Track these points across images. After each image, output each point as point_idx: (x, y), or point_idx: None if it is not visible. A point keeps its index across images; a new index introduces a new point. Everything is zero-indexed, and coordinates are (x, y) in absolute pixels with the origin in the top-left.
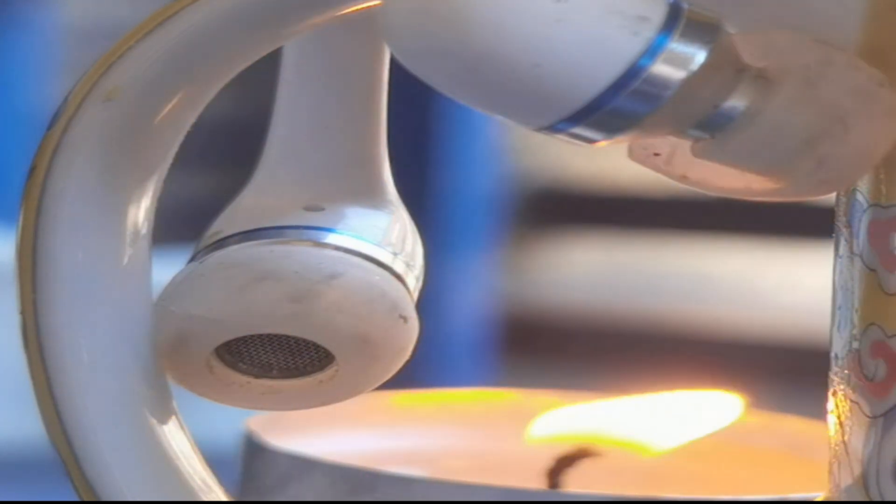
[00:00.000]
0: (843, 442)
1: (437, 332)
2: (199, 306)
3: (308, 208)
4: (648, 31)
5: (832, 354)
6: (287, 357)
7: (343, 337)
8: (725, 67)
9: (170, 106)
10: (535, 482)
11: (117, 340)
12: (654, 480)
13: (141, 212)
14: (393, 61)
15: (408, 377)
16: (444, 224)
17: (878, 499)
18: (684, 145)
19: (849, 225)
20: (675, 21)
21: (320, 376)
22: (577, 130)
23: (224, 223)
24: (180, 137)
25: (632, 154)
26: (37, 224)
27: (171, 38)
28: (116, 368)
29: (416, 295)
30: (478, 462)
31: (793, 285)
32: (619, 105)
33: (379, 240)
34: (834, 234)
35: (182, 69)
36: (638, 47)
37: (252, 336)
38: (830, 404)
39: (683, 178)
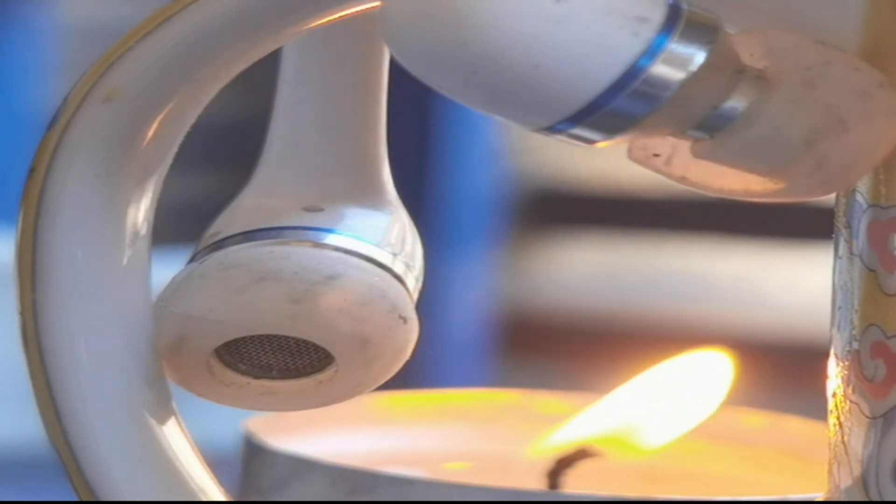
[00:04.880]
0: (843, 442)
1: (437, 332)
2: (198, 307)
3: (307, 209)
4: (648, 32)
5: (832, 355)
6: (286, 358)
7: (342, 338)
8: (725, 68)
9: (170, 106)
10: (535, 482)
11: (117, 341)
12: (654, 480)
13: (141, 212)
14: (393, 61)
15: (408, 377)
16: (444, 224)
17: (877, 499)
18: (684, 146)
19: (848, 225)
20: (674, 22)
21: (320, 377)
22: (577, 131)
23: (223, 224)
24: (180, 137)
25: (631, 154)
26: (37, 224)
27: (171, 38)
28: (116, 369)
29: (415, 295)
30: (477, 463)
31: (792, 286)
32: (618, 106)
33: (378, 240)
34: (833, 235)
35: (182, 69)
36: (637, 48)
37: (251, 337)
38: (830, 405)
39: (683, 179)
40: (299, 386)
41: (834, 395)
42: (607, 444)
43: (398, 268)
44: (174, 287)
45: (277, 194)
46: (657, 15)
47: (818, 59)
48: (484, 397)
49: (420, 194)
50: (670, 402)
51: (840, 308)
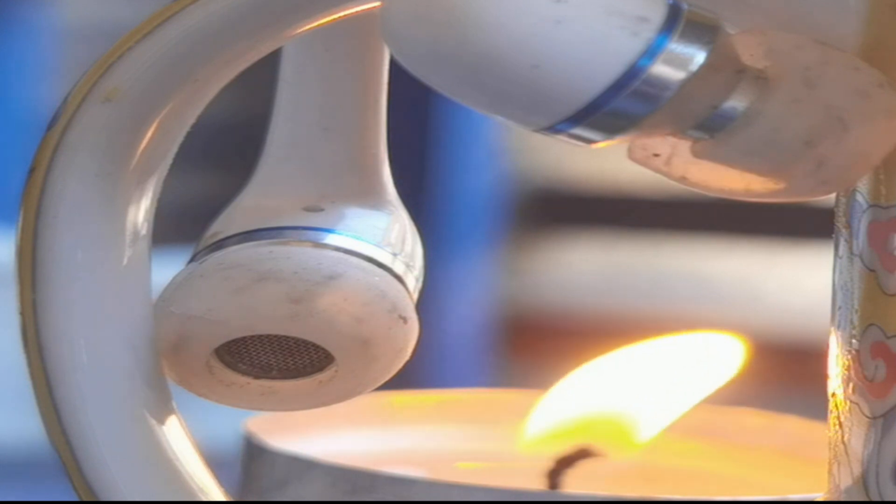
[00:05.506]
0: (843, 442)
1: (437, 332)
2: (198, 307)
3: (307, 209)
4: (648, 32)
5: (832, 355)
6: (287, 358)
7: (342, 338)
8: (725, 68)
9: (170, 106)
10: (535, 482)
11: (117, 341)
12: (653, 480)
13: (141, 212)
14: (393, 62)
15: (408, 377)
16: (444, 224)
17: (877, 499)
18: (684, 146)
19: (848, 225)
20: (674, 22)
21: (320, 377)
22: (577, 131)
23: (223, 224)
24: (180, 137)
25: (631, 154)
26: (37, 224)
27: (171, 39)
28: (116, 369)
29: (415, 295)
30: (477, 462)
31: (793, 286)
32: (618, 106)
33: (378, 240)
34: (833, 235)
35: (182, 69)
36: (637, 48)
37: (252, 337)
38: (830, 405)
39: (683, 179)
40: (299, 386)
41: (834, 395)
42: (605, 438)
43: (398, 268)
44: (174, 287)
45: (277, 194)
46: (657, 15)
47: (818, 59)
48: (484, 397)
49: (420, 194)
50: (664, 386)
51: (840, 308)
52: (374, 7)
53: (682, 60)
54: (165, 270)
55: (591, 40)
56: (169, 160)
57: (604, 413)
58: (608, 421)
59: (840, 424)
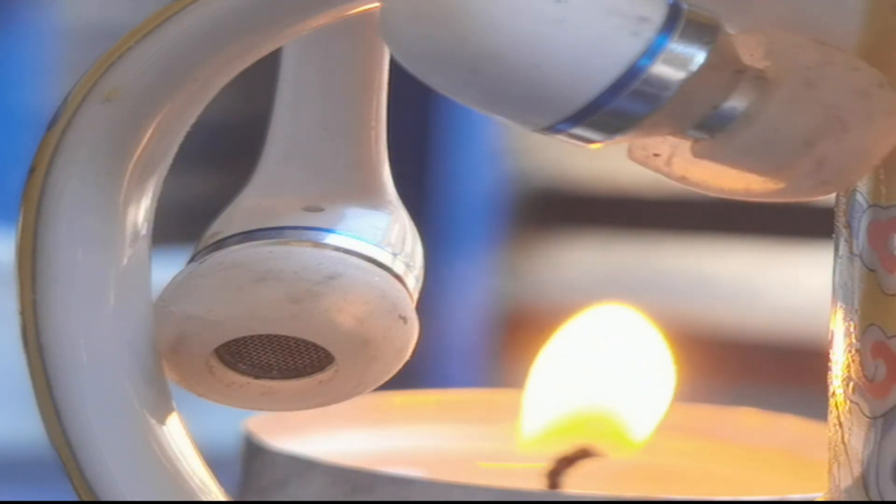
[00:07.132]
0: (843, 442)
1: (437, 332)
2: (198, 307)
3: (307, 209)
4: (648, 32)
5: (832, 355)
6: (287, 357)
7: (342, 337)
8: (725, 68)
9: (170, 106)
10: (535, 482)
11: (117, 341)
12: (654, 480)
13: (141, 212)
14: (393, 61)
15: (408, 377)
16: (444, 224)
17: (877, 499)
18: (684, 146)
19: (848, 225)
20: (674, 22)
21: (320, 377)
22: (577, 131)
23: (223, 224)
24: (180, 137)
25: (632, 154)
26: (37, 224)
27: (171, 38)
28: (116, 369)
29: (415, 295)
30: (477, 462)
31: (792, 286)
32: (618, 105)
33: (378, 240)
34: (833, 235)
35: (182, 69)
36: (637, 48)
37: (251, 337)
38: (830, 405)
39: (683, 179)
40: (299, 386)
41: (834, 395)
42: (603, 437)
43: (398, 268)
44: (174, 287)
45: (277, 194)
46: (657, 15)
47: (818, 59)
48: (484, 397)
49: (420, 194)
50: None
51: (840, 308)
52: (374, 7)
53: (682, 60)
54: (165, 270)
55: (591, 40)
56: (169, 160)
57: (596, 412)
58: (603, 419)
59: (840, 424)
